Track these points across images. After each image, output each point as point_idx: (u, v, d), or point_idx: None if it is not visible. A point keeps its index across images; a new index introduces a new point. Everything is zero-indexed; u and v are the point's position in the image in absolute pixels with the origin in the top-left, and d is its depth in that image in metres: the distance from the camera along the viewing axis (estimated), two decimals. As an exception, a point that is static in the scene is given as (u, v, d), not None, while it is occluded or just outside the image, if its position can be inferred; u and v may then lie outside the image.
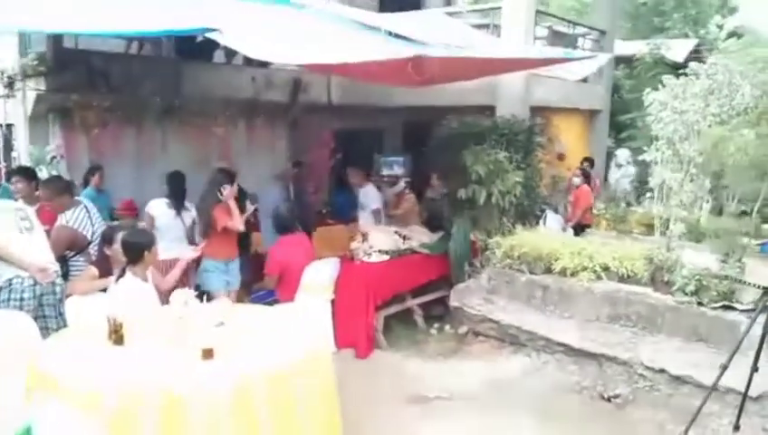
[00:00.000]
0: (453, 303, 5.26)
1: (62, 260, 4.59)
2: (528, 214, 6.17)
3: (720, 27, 21.37)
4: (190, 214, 5.36)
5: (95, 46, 6.85)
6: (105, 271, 3.99)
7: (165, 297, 3.69)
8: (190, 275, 5.38)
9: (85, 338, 3.05)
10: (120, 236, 3.85)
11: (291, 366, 2.74)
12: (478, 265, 5.71)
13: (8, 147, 7.52)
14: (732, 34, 19.31)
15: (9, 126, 7.41)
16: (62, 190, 4.79)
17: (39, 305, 3.75)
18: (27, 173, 5.37)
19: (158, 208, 5.28)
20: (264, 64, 8.61)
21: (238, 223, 4.99)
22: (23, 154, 7.03)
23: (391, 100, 9.43)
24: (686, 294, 4.39)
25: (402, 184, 7.61)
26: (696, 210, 4.97)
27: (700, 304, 4.35)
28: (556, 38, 10.53)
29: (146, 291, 3.65)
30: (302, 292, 5.20)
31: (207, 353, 2.72)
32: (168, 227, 5.22)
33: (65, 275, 4.56)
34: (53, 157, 6.55)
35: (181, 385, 2.50)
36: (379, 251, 5.80)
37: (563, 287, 4.92)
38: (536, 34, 9.40)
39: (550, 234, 5.72)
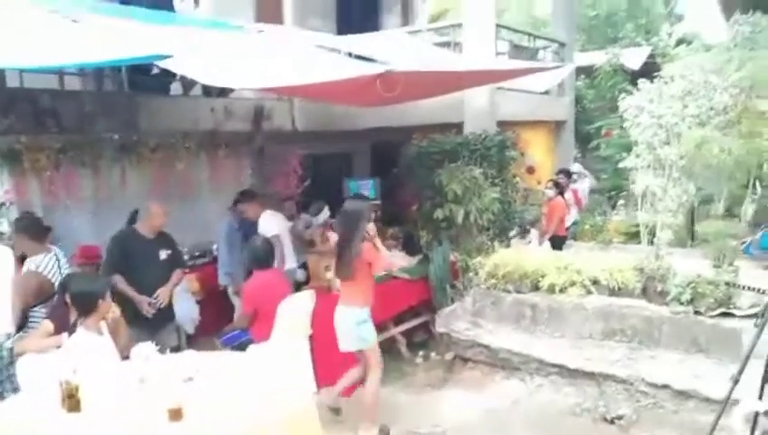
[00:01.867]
0: (439, 329, 5.01)
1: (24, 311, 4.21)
2: (506, 230, 5.98)
3: (669, 35, 21.90)
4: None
5: (42, 84, 6.48)
6: (64, 325, 3.62)
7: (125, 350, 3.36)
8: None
9: (37, 405, 2.69)
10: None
11: (271, 426, 2.43)
12: (461, 286, 5.47)
13: (-45, 195, 7.07)
14: (680, 42, 19.79)
15: (-45, 173, 6.97)
16: (39, 234, 4.40)
17: None
18: None
19: None
20: (223, 94, 8.36)
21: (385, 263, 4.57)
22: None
23: (358, 122, 9.25)
24: (682, 303, 4.22)
25: (326, 212, 6.57)
26: (681, 215, 4.83)
27: (697, 312, 4.18)
28: (517, 52, 10.53)
29: (102, 346, 3.29)
30: (278, 330, 4.89)
31: (175, 415, 2.41)
32: None
33: (21, 328, 4.18)
34: (2, 203, 6.13)
35: (146, 456, 2.18)
36: (356, 279, 5.51)
37: (552, 305, 4.70)
38: (497, 49, 9.39)
39: (532, 250, 5.52)
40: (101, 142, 6.82)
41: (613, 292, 4.63)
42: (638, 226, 5.86)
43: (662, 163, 4.46)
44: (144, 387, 2.54)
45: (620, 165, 5.12)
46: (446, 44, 8.80)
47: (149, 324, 4.37)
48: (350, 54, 6.20)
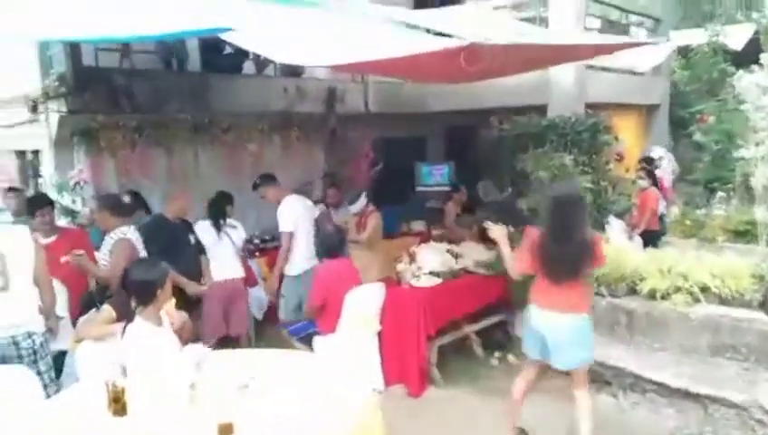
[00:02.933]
0: (519, 332, 4.56)
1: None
2: (596, 223, 5.42)
3: (775, 10, 19.96)
4: (238, 232, 5.31)
5: (116, 63, 6.45)
6: (126, 311, 3.45)
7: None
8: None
9: (82, 405, 2.50)
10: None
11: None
12: (545, 285, 4.97)
13: (36, 174, 7.23)
14: (787, 18, 17.95)
15: (36, 152, 7.11)
16: (121, 211, 4.38)
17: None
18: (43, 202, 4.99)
19: (203, 230, 5.17)
20: (296, 74, 8.16)
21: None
22: (48, 181, 6.69)
23: (432, 105, 8.85)
24: (812, 318, 3.60)
25: (363, 199, 6.01)
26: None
27: (832, 330, 3.55)
28: (609, 28, 9.78)
29: (160, 337, 3.09)
30: (345, 323, 4.63)
31: (226, 430, 2.14)
32: (216, 248, 5.14)
33: (102, 302, 4.10)
34: (76, 182, 6.16)
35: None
36: (430, 273, 5.15)
37: (653, 313, 4.16)
38: (587, 25, 8.70)
39: (628, 247, 4.96)
40: (175, 122, 6.78)
41: (725, 301, 4.03)
42: (749, 223, 5.19)
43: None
44: (194, 395, 2.28)
45: (735, 154, 4.47)
46: (530, 20, 8.21)
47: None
48: (427, 31, 5.78)
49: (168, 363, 2.61)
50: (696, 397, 3.70)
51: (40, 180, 7.01)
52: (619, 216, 6.98)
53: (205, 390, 2.31)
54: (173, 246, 4.53)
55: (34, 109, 6.61)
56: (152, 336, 3.05)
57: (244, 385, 2.32)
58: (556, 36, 5.08)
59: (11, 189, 6.18)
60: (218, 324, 5.14)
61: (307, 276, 5.15)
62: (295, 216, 5.30)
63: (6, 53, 6.92)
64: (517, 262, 3.66)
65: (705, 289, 4.06)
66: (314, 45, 3.74)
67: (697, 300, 4.06)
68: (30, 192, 7.25)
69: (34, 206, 4.89)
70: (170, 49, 7.16)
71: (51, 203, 5.08)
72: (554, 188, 3.77)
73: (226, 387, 2.29)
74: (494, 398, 4.54)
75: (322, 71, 8.35)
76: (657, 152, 9.00)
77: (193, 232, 4.97)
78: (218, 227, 5.21)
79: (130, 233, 4.21)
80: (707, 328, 3.97)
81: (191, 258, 4.77)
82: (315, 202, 6.31)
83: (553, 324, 3.54)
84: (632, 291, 4.33)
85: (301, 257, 5.35)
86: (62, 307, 4.19)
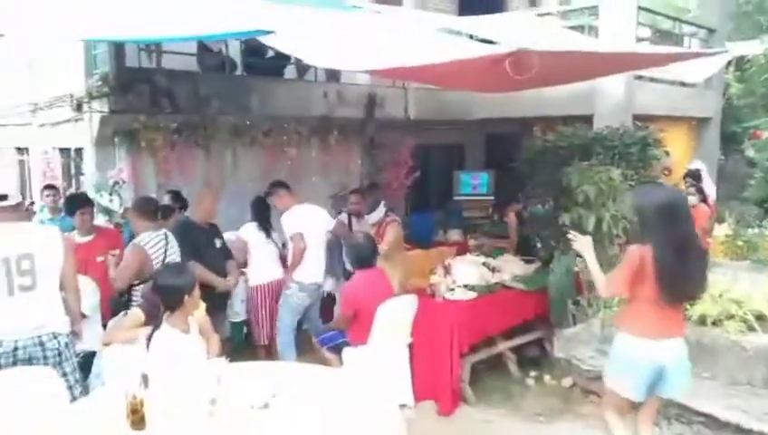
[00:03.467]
0: (558, 354, 4.37)
1: (128, 289, 4.13)
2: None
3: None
4: (276, 235, 5.34)
5: (159, 65, 6.50)
6: (155, 315, 3.41)
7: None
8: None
9: (102, 414, 2.43)
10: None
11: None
12: (585, 304, 4.76)
13: (78, 172, 7.35)
14: None
15: (79, 150, 7.23)
16: (150, 212, 4.33)
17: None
18: (84, 201, 5.03)
19: (250, 233, 5.24)
20: (336, 79, 8.11)
21: None
22: (89, 180, 6.79)
23: (473, 112, 8.70)
24: None
25: (382, 208, 5.86)
26: None
27: None
28: (661, 38, 9.45)
29: (186, 345, 3.02)
30: (377, 335, 4.50)
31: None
32: (262, 250, 5.23)
33: (128, 303, 4.07)
34: (116, 182, 6.22)
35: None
36: (465, 286, 4.99)
37: (703, 340, 3.90)
38: (638, 35, 8.42)
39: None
40: (215, 124, 6.80)
41: (783, 331, 3.76)
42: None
43: None
44: (214, 411, 2.19)
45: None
46: (579, 28, 7.98)
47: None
48: (470, 37, 5.64)
49: (191, 375, 2.52)
50: (748, 433, 3.44)
51: (82, 178, 7.12)
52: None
53: (225, 406, 2.21)
54: (198, 250, 4.48)
55: (79, 108, 6.72)
56: (177, 343, 2.99)
57: (264, 404, 2.21)
58: (607, 46, 4.86)
59: (47, 187, 6.28)
60: (267, 327, 5.15)
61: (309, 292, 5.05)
62: (299, 224, 5.02)
63: (54, 52, 7.07)
64: (614, 282, 3.15)
65: (760, 317, 3.80)
66: (355, 50, 3.65)
67: (752, 328, 3.80)
68: (71, 190, 7.41)
69: (75, 204, 4.94)
70: (214, 51, 7.18)
71: (91, 202, 5.13)
72: (650, 193, 3.25)
73: (247, 404, 2.19)
74: (529, 420, 4.36)
75: (363, 76, 8.28)
76: (696, 165, 8.61)
77: (219, 236, 4.90)
78: (267, 230, 5.27)
79: (155, 238, 4.15)
80: (763, 359, 3.70)
81: (217, 262, 4.69)
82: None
83: (673, 353, 3.06)
84: (681, 316, 4.08)
85: (306, 272, 5.05)
86: (94, 307, 4.20)
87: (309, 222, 5.08)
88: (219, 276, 4.63)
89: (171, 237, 4.31)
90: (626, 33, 7.64)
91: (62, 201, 6.43)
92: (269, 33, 3.28)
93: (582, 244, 3.50)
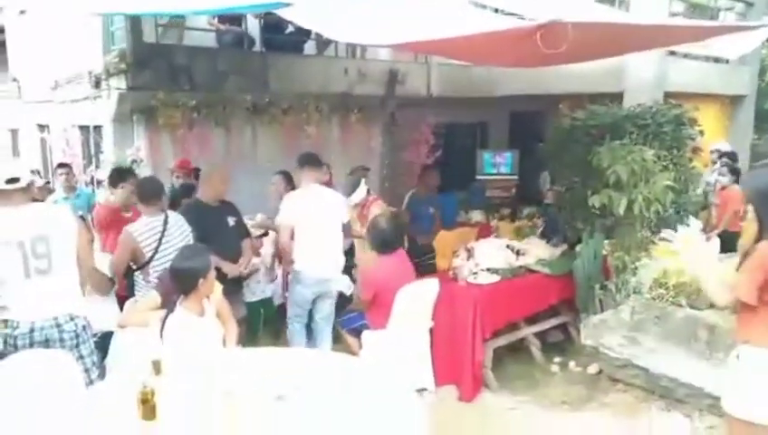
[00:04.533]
0: (585, 340, 4.22)
1: (128, 272, 4.05)
2: (674, 224, 4.98)
3: None
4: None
5: (175, 40, 6.38)
6: (171, 299, 3.33)
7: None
8: None
9: (113, 402, 2.36)
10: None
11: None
12: (613, 289, 4.59)
13: (98, 150, 7.31)
14: None
15: (98, 128, 7.18)
16: (148, 196, 4.10)
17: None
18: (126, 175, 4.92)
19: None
20: (357, 55, 7.94)
21: None
22: (108, 157, 6.74)
23: (498, 89, 8.44)
24: None
25: (363, 188, 5.39)
26: None
27: None
28: (695, 12, 9.07)
29: (201, 329, 2.94)
30: (396, 319, 4.40)
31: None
32: None
33: (131, 289, 4.03)
34: (133, 160, 6.16)
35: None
36: (488, 270, 4.84)
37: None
38: (671, 10, 8.08)
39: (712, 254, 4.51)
40: (234, 102, 6.69)
41: (826, 321, 3.56)
42: None
43: None
44: (228, 401, 2.10)
45: None
46: (609, 2, 7.67)
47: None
48: (495, 11, 5.41)
49: (205, 362, 2.43)
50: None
51: (101, 156, 7.09)
52: (694, 214, 6.46)
53: (240, 397, 2.12)
54: (207, 230, 4.26)
55: (97, 85, 6.66)
56: (192, 327, 2.90)
57: (279, 396, 2.11)
58: (641, 18, 4.61)
59: (60, 165, 6.23)
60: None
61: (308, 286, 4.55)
62: (296, 210, 4.50)
63: (73, 28, 7.00)
64: (742, 287, 2.55)
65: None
66: (376, 24, 3.49)
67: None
68: (91, 168, 7.38)
69: (117, 178, 4.82)
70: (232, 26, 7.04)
71: (134, 176, 4.99)
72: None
73: (262, 396, 2.10)
74: (554, 408, 4.23)
75: (384, 51, 8.09)
76: (722, 147, 8.26)
77: (233, 214, 4.64)
78: None
79: (150, 223, 3.96)
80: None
81: (229, 241, 4.49)
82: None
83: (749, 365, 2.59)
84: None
85: (306, 264, 4.53)
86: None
87: (308, 208, 4.51)
88: (232, 257, 4.43)
89: (174, 221, 4.08)
90: (659, 6, 7.33)
91: (75, 179, 6.40)
92: (287, 5, 3.14)
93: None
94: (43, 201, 5.95)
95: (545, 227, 5.66)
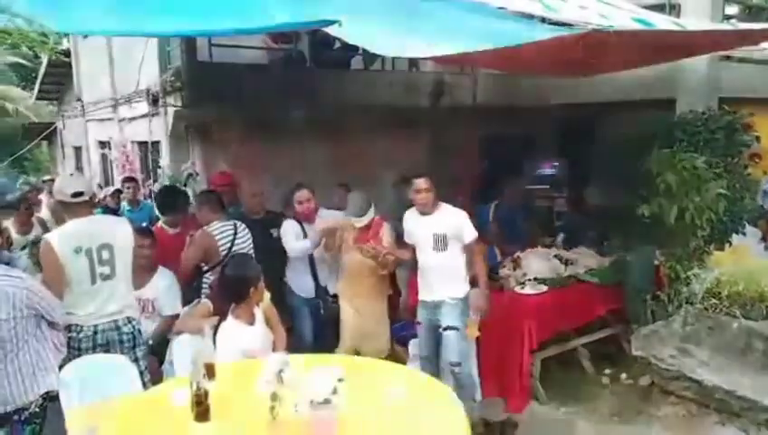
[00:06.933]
0: (636, 352, 4.14)
1: (198, 272, 4.23)
2: (728, 234, 4.84)
3: None
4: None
5: (228, 59, 6.62)
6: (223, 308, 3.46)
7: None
8: None
9: (167, 402, 2.48)
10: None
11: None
12: (665, 299, 4.49)
13: (156, 165, 7.63)
14: None
15: (155, 143, 7.50)
16: (217, 206, 4.38)
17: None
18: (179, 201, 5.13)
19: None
20: (403, 67, 8.02)
21: None
22: (165, 172, 7.03)
23: (545, 97, 8.33)
24: None
25: (371, 214, 4.32)
26: None
27: None
28: (750, 16, 8.77)
29: (251, 338, 3.05)
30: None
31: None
32: None
33: (198, 290, 4.19)
34: (189, 174, 6.41)
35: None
36: (535, 280, 4.81)
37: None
38: (725, 13, 7.84)
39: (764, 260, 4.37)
40: (284, 117, 6.86)
41: None
42: None
43: None
44: (276, 406, 2.18)
45: None
46: (659, 7, 7.52)
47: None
48: (543, 21, 5.39)
49: (254, 369, 2.52)
50: None
51: (159, 171, 7.40)
52: (753, 223, 6.24)
53: (288, 402, 2.20)
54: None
55: (155, 102, 6.97)
56: (242, 336, 3.02)
57: (325, 400, 2.17)
58: (686, 24, 4.52)
59: (127, 179, 6.54)
60: None
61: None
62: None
63: (132, 48, 7.35)
64: None
65: None
66: (422, 37, 3.56)
67: None
68: (149, 182, 7.69)
69: (165, 206, 4.99)
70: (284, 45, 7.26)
71: (184, 202, 5.17)
72: None
73: (307, 400, 2.17)
74: (603, 420, 4.16)
75: (430, 63, 8.14)
76: None
77: (275, 226, 4.71)
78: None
79: (222, 228, 4.19)
80: None
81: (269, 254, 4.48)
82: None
83: None
84: (773, 314, 3.78)
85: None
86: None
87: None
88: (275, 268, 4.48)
89: (242, 229, 4.33)
90: (712, 8, 7.13)
91: (140, 193, 6.71)
92: (334, 23, 3.25)
93: None
94: (117, 208, 6.28)
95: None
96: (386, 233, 4.39)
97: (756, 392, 3.55)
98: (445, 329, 4.03)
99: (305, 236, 4.59)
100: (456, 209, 4.16)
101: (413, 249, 4.21)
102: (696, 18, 6.68)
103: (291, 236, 4.55)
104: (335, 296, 4.62)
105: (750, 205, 5.12)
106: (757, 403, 3.51)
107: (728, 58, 7.35)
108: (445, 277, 4.06)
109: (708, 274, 4.09)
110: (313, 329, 4.72)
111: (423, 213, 4.12)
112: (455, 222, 4.07)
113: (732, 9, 8.29)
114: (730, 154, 4.85)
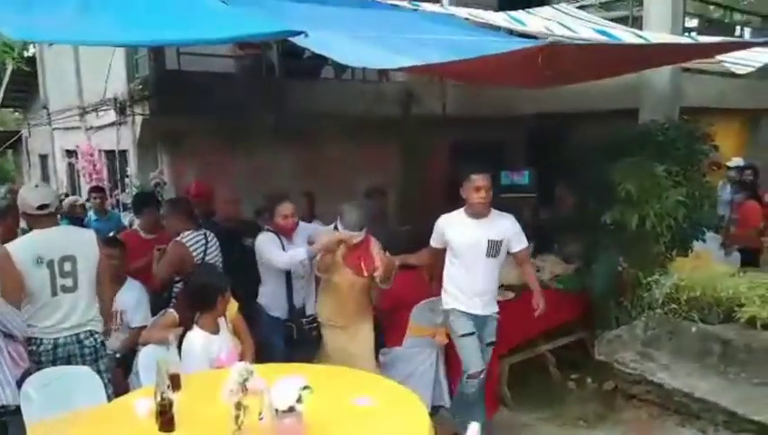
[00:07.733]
0: (599, 356, 4.23)
1: (169, 284, 4.20)
2: (688, 240, 4.97)
3: None
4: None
5: (197, 67, 6.59)
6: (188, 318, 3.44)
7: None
8: None
9: (131, 415, 2.46)
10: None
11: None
12: (628, 305, 4.60)
13: (123, 174, 7.55)
14: None
15: (123, 152, 7.42)
16: (190, 214, 4.37)
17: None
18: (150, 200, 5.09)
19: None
20: (374, 77, 8.08)
21: None
22: (133, 181, 6.96)
23: (514, 107, 8.49)
24: None
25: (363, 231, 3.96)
26: None
27: None
28: (710, 29, 9.07)
29: (214, 347, 3.04)
30: (410, 335, 4.47)
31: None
32: None
33: (168, 300, 4.14)
34: (157, 183, 6.36)
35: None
36: (502, 286, 4.87)
37: (753, 344, 3.71)
38: (685, 25, 8.10)
39: (723, 266, 4.51)
40: (254, 126, 6.85)
41: (842, 336, 3.54)
42: None
43: None
44: (241, 415, 2.19)
45: None
46: (622, 20, 7.72)
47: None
48: (510, 32, 5.52)
49: (218, 378, 2.52)
50: (803, 443, 3.25)
51: (126, 181, 7.32)
52: (715, 229, 6.42)
53: (252, 411, 2.21)
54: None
55: (122, 111, 6.91)
56: (207, 345, 3.01)
57: (289, 408, 2.18)
58: (648, 36, 4.67)
59: (95, 189, 6.46)
60: None
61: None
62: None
63: (99, 57, 7.28)
64: None
65: (817, 321, 3.58)
66: (388, 48, 3.61)
67: (808, 332, 3.59)
68: (116, 191, 7.61)
69: (141, 204, 4.98)
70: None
71: (157, 202, 5.16)
72: None
73: (272, 408, 2.18)
74: (570, 425, 4.24)
75: (401, 73, 8.22)
76: (738, 162, 8.20)
77: (249, 236, 4.54)
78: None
79: (195, 237, 4.18)
80: (819, 365, 3.49)
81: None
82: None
83: None
84: (729, 319, 3.90)
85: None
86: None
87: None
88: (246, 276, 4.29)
89: (212, 239, 4.30)
90: (673, 22, 7.35)
91: (108, 203, 6.63)
92: (300, 33, 3.27)
93: None
94: (82, 218, 6.19)
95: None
96: (376, 246, 4.05)
97: (714, 394, 3.65)
98: (488, 344, 4.01)
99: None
100: (507, 214, 3.93)
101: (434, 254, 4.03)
102: (657, 30, 6.89)
103: (273, 246, 4.09)
104: (312, 318, 4.26)
105: (709, 212, 5.27)
106: (715, 405, 3.61)
107: (688, 70, 7.58)
108: (492, 288, 3.94)
109: (668, 279, 4.19)
110: (284, 352, 4.25)
111: (475, 215, 3.79)
112: (511, 228, 3.85)
113: (692, 22, 8.57)
114: (690, 163, 4.99)
